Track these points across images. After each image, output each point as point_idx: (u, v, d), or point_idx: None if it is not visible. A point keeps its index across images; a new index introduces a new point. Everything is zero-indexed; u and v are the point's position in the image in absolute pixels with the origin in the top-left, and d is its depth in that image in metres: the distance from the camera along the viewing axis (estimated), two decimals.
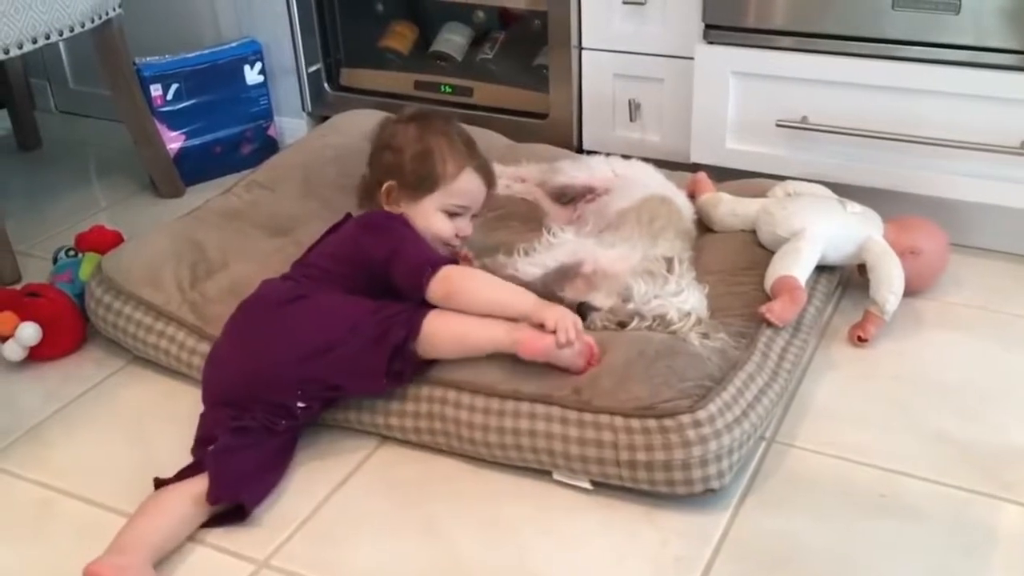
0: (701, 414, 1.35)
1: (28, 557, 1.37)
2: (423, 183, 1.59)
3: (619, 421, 1.37)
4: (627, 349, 1.46)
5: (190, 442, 1.55)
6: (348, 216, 1.66)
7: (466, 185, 1.61)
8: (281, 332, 1.46)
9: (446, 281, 1.46)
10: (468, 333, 1.45)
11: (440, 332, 1.44)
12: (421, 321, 1.43)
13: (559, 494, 1.42)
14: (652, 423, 1.36)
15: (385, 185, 1.60)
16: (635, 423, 1.36)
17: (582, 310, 1.55)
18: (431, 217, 1.59)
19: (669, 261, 1.58)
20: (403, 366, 1.45)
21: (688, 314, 1.52)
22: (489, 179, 1.65)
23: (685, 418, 1.35)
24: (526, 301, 1.45)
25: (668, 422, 1.35)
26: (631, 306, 1.53)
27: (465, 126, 1.72)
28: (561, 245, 1.65)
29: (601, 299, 1.55)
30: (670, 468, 1.35)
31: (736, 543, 1.33)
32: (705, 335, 1.50)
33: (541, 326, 1.40)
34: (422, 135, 1.61)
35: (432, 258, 1.51)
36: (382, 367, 1.43)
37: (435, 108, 1.69)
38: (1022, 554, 1.30)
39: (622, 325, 1.54)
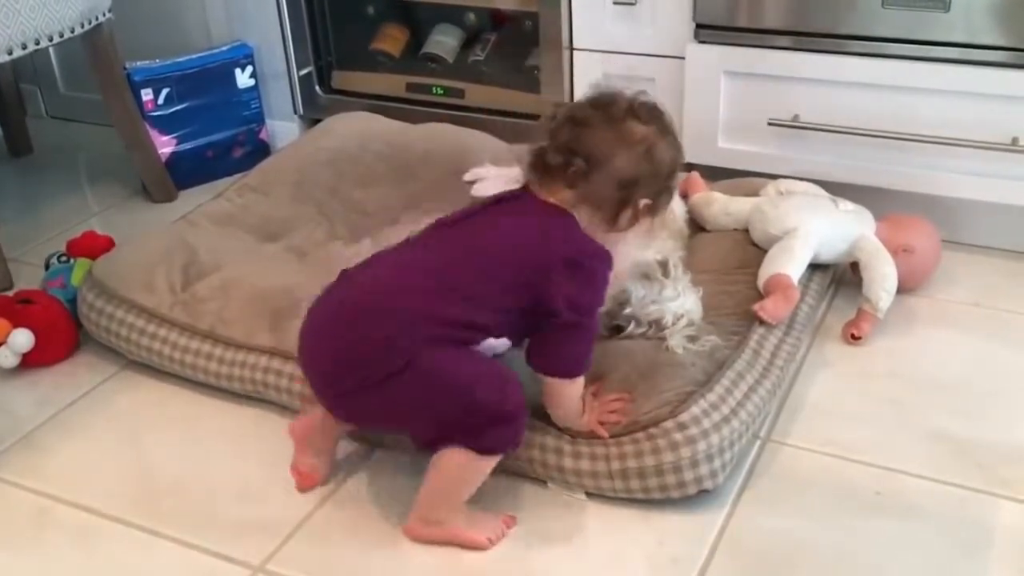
0: (684, 416, 1.35)
1: (25, 565, 1.37)
2: (666, 204, 1.35)
3: (609, 439, 1.38)
4: (612, 374, 1.46)
5: (186, 447, 1.55)
6: (524, 192, 1.34)
7: (664, 208, 1.37)
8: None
9: (566, 387, 1.34)
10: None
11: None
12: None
13: (554, 496, 1.42)
14: (639, 435, 1.36)
15: (642, 203, 1.29)
16: (624, 438, 1.37)
17: None
18: (632, 241, 1.37)
19: (664, 264, 1.58)
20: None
21: (681, 317, 1.52)
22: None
23: (668, 423, 1.35)
24: (572, 419, 1.38)
25: (653, 430, 1.36)
26: (628, 310, 1.53)
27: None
28: None
29: None
30: (661, 472, 1.35)
31: (732, 542, 1.33)
32: (693, 338, 1.50)
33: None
34: (671, 146, 1.31)
35: (582, 360, 1.33)
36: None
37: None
38: (1019, 551, 1.30)
39: (618, 329, 1.54)
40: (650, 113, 1.30)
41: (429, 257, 1.33)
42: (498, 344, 1.32)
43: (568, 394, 1.36)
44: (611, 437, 1.37)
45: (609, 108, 1.30)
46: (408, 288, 1.29)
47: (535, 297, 1.27)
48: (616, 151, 1.27)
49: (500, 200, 1.37)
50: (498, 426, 1.28)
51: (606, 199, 1.29)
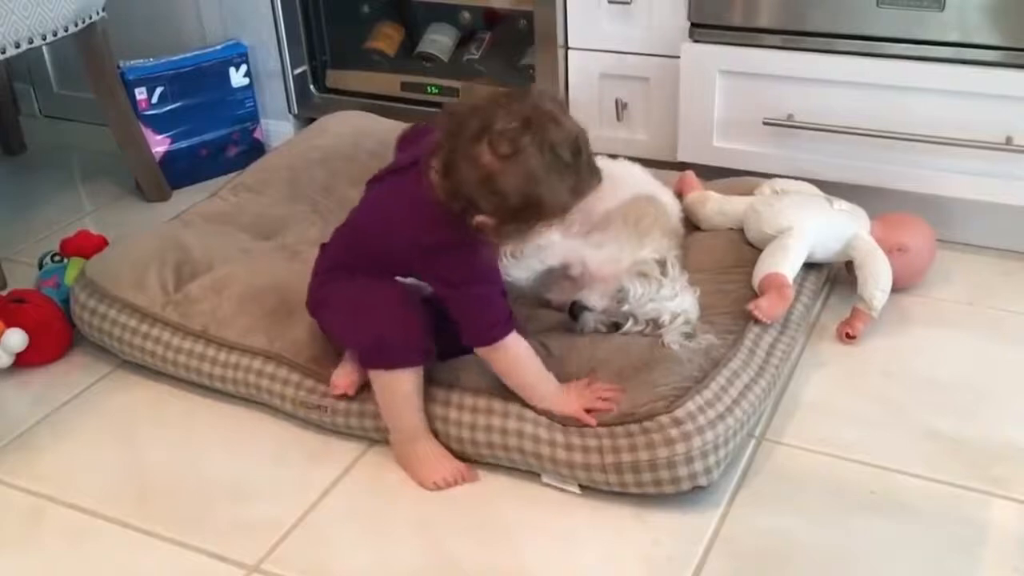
0: (679, 412, 1.36)
1: (19, 565, 1.36)
2: (526, 230, 1.35)
3: (602, 430, 1.38)
4: (606, 368, 1.46)
5: (179, 446, 1.55)
6: (414, 166, 1.40)
7: (568, 214, 1.38)
8: None
9: (497, 352, 1.41)
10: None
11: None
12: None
13: (550, 495, 1.42)
14: (634, 427, 1.36)
15: (478, 219, 1.32)
16: (618, 429, 1.37)
17: (575, 310, 1.55)
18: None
19: (662, 264, 1.58)
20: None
21: (678, 316, 1.52)
22: (595, 186, 1.37)
23: (664, 418, 1.36)
24: (549, 391, 1.42)
25: (648, 424, 1.36)
26: (626, 308, 1.53)
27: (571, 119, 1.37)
28: (548, 248, 1.65)
29: (595, 300, 1.55)
30: (655, 467, 1.35)
31: (727, 541, 1.33)
32: (690, 335, 1.50)
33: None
34: (525, 184, 1.28)
35: (501, 321, 1.40)
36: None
37: (539, 102, 1.32)
38: (1013, 549, 1.30)
39: (616, 326, 1.54)
40: (512, 143, 1.27)
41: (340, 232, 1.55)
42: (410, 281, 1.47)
43: (507, 361, 1.41)
44: (604, 426, 1.37)
45: (473, 123, 1.30)
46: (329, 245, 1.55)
47: (412, 270, 1.45)
48: (460, 166, 1.30)
49: (395, 171, 1.50)
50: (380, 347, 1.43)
51: (452, 204, 1.33)
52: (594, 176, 1.36)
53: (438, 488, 1.43)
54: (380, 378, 1.45)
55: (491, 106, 1.32)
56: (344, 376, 1.51)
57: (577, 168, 1.32)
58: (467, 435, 1.44)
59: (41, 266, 1.92)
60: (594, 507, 1.40)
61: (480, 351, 1.43)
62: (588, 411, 1.40)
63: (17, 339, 1.69)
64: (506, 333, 1.40)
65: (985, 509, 1.36)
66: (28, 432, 1.61)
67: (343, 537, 1.37)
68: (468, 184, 1.30)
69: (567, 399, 1.41)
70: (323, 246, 1.57)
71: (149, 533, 1.39)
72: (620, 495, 1.39)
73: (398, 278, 1.48)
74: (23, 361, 1.73)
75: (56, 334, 1.76)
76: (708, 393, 1.39)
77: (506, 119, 1.29)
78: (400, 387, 1.44)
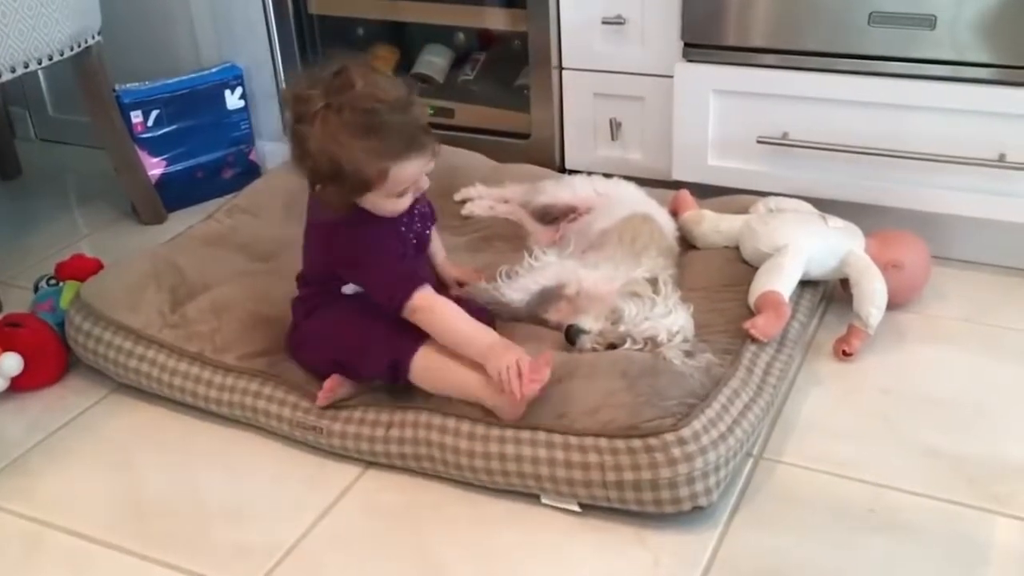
0: (685, 432, 1.35)
1: None
2: (351, 194, 1.42)
3: (603, 443, 1.37)
4: (609, 371, 1.46)
5: (176, 470, 1.54)
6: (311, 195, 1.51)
7: (398, 177, 1.41)
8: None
9: (416, 313, 1.45)
10: (452, 382, 1.47)
11: (426, 375, 1.48)
12: (411, 357, 1.46)
13: (549, 517, 1.41)
14: (637, 443, 1.35)
15: (317, 189, 1.44)
16: (620, 444, 1.36)
17: (571, 333, 1.55)
18: (380, 206, 1.45)
19: (654, 282, 1.59)
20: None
21: (676, 334, 1.52)
22: (421, 149, 1.42)
23: (669, 436, 1.35)
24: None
25: (653, 441, 1.35)
26: (622, 328, 1.53)
27: (381, 77, 1.45)
28: (543, 268, 1.65)
29: (590, 322, 1.55)
30: (657, 487, 1.34)
31: (727, 561, 1.33)
32: (689, 353, 1.50)
33: None
34: (327, 146, 1.37)
35: (400, 286, 1.46)
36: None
37: (346, 64, 1.39)
38: (1013, 567, 1.30)
39: (612, 347, 1.54)
40: (309, 108, 1.37)
41: None
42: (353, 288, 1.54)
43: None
44: (607, 437, 1.36)
45: (288, 99, 1.41)
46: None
47: (334, 268, 1.52)
48: (291, 143, 1.43)
49: None
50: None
51: (309, 183, 1.45)
52: (407, 141, 1.40)
53: (503, 380, 1.39)
54: (432, 353, 1.46)
55: (299, 80, 1.45)
56: (329, 382, 1.52)
57: (381, 133, 1.37)
58: (465, 462, 1.44)
59: (36, 290, 1.92)
60: (594, 528, 1.39)
61: (405, 317, 1.45)
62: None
63: (12, 363, 1.69)
64: (409, 293, 1.44)
65: (985, 527, 1.36)
66: (24, 457, 1.60)
67: (340, 560, 1.37)
68: (293, 158, 1.43)
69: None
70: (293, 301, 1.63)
71: (146, 558, 1.38)
72: (620, 516, 1.39)
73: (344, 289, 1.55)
74: (19, 385, 1.72)
75: (52, 358, 1.76)
76: (711, 412, 1.39)
77: (308, 87, 1.39)
78: (442, 321, 1.45)
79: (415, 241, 1.57)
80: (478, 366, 1.43)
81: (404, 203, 1.47)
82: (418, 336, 1.46)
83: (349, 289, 1.55)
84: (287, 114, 1.42)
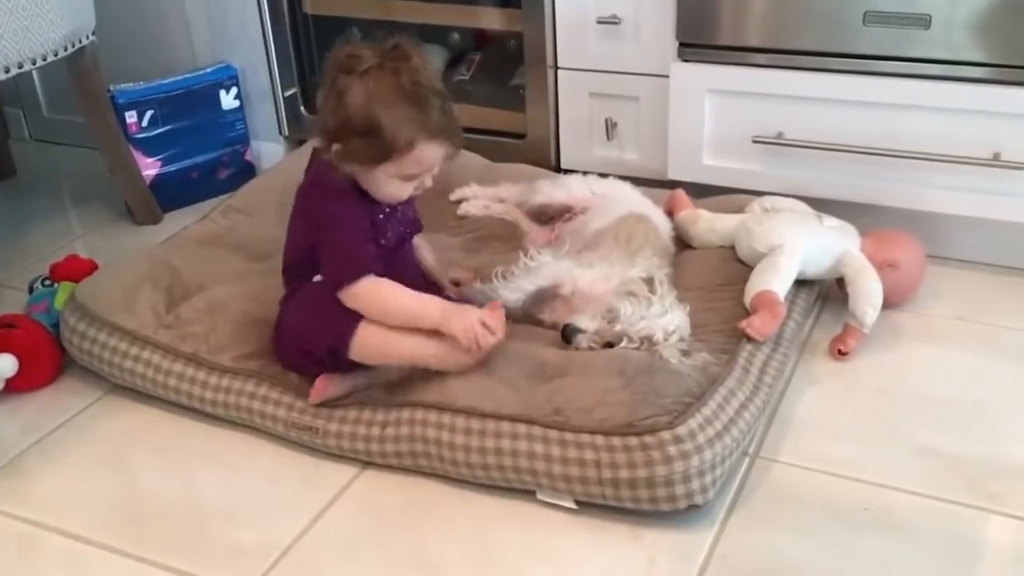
0: (681, 430, 1.35)
1: None
2: (372, 158, 1.44)
3: (600, 440, 1.37)
4: (606, 369, 1.46)
5: (172, 471, 1.54)
6: (314, 152, 1.55)
7: (421, 156, 1.44)
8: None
9: (356, 299, 1.47)
10: (397, 354, 1.49)
11: (368, 352, 1.49)
12: (350, 339, 1.47)
13: (546, 516, 1.41)
14: (633, 440, 1.35)
15: (333, 148, 1.45)
16: (616, 441, 1.36)
17: (567, 332, 1.55)
18: (385, 183, 1.47)
19: (649, 282, 1.59)
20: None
21: (672, 333, 1.52)
22: (450, 140, 1.48)
23: (665, 434, 1.35)
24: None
25: (649, 439, 1.35)
26: (618, 327, 1.53)
27: (432, 65, 1.54)
28: (539, 268, 1.65)
29: (586, 321, 1.55)
30: (653, 485, 1.34)
31: (722, 560, 1.33)
32: (686, 352, 1.50)
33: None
34: (370, 100, 1.41)
35: (348, 270, 1.47)
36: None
37: (398, 44, 1.45)
38: (1009, 566, 1.30)
39: (609, 346, 1.54)
40: (363, 65, 1.41)
41: None
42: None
43: (367, 305, 1.47)
44: (603, 435, 1.37)
45: (339, 60, 1.45)
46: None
47: (308, 236, 1.51)
48: (323, 96, 1.46)
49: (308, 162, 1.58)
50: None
51: (321, 142, 1.47)
52: (442, 125, 1.45)
53: (473, 337, 1.45)
54: (369, 331, 1.47)
55: (351, 41, 1.48)
56: (319, 381, 1.53)
57: (424, 105, 1.42)
58: (462, 458, 1.44)
59: (31, 291, 1.91)
60: (590, 526, 1.39)
61: (345, 301, 1.47)
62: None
63: (7, 364, 1.69)
64: (357, 276, 1.46)
65: (981, 526, 1.36)
66: (19, 458, 1.59)
67: (336, 561, 1.36)
68: (325, 109, 1.45)
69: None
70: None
71: (141, 559, 1.38)
72: (616, 514, 1.39)
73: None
74: (13, 387, 1.72)
75: (46, 359, 1.75)
76: (707, 411, 1.39)
77: (364, 52, 1.43)
78: (387, 305, 1.47)
79: (389, 238, 1.55)
80: (415, 332, 1.47)
81: (404, 192, 1.49)
82: (353, 316, 1.47)
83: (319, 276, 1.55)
84: (330, 67, 1.44)
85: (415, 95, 1.42)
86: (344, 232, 1.49)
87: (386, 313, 1.47)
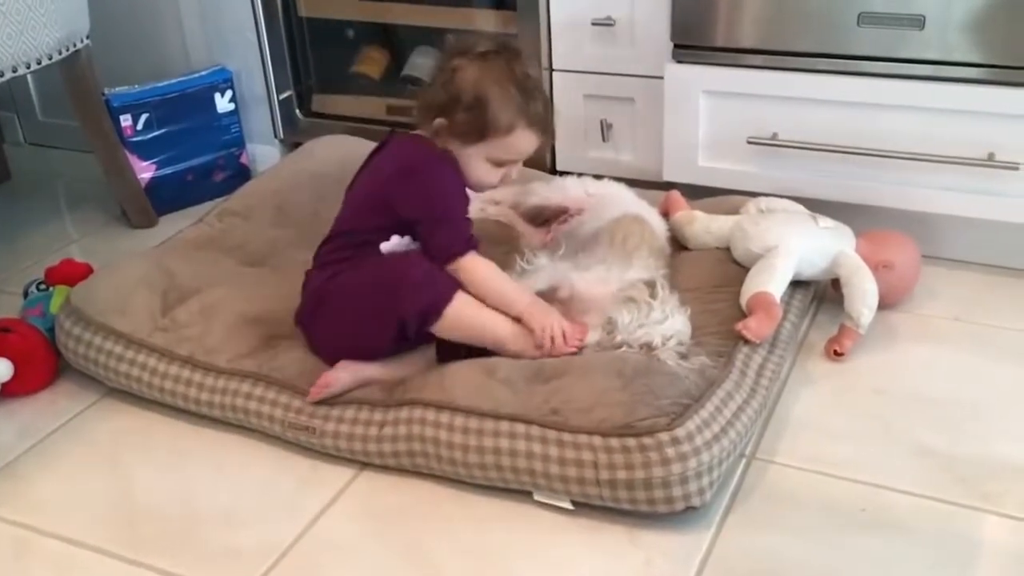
0: (679, 431, 1.35)
1: None
2: (473, 134, 1.54)
3: (597, 440, 1.37)
4: (604, 370, 1.46)
5: (168, 474, 1.54)
6: (391, 135, 1.65)
7: (517, 142, 1.56)
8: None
9: (464, 272, 1.54)
10: (480, 326, 1.54)
11: (457, 322, 1.53)
12: (445, 305, 1.51)
13: (543, 517, 1.41)
14: (631, 442, 1.35)
15: (436, 122, 1.56)
16: (614, 442, 1.36)
17: None
18: (477, 165, 1.57)
19: (651, 285, 1.59)
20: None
21: (670, 338, 1.52)
22: (545, 134, 1.59)
23: (664, 436, 1.35)
24: (522, 301, 1.55)
25: (647, 440, 1.35)
26: (618, 338, 1.53)
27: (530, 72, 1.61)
28: (535, 271, 1.65)
29: (587, 335, 1.56)
30: (650, 486, 1.34)
31: (720, 561, 1.33)
32: (683, 356, 1.50)
33: None
34: (479, 80, 1.53)
35: (460, 242, 1.55)
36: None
37: (508, 41, 1.62)
38: (1005, 565, 1.30)
39: None
40: (481, 50, 1.54)
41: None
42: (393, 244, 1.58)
43: (472, 277, 1.54)
44: (601, 435, 1.37)
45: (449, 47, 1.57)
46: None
47: (390, 210, 1.54)
48: (434, 77, 1.58)
49: (379, 147, 1.66)
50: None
51: (422, 119, 1.58)
52: (542, 117, 1.56)
53: (546, 337, 1.53)
54: (466, 300, 1.52)
55: (470, 37, 1.60)
56: (324, 377, 1.54)
57: (530, 95, 1.54)
58: (459, 456, 1.44)
59: (26, 295, 1.91)
60: (587, 527, 1.39)
61: (449, 269, 1.54)
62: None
63: (2, 369, 1.68)
64: (466, 250, 1.54)
65: (977, 525, 1.36)
66: (14, 462, 1.59)
67: (334, 563, 1.36)
68: (435, 86, 1.56)
69: (544, 312, 1.54)
70: (308, 272, 1.63)
71: (138, 563, 1.38)
72: (613, 516, 1.39)
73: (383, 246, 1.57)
74: (9, 391, 1.71)
75: (42, 363, 1.75)
76: (705, 413, 1.39)
77: (481, 40, 1.57)
78: (489, 284, 1.54)
79: None
80: (505, 315, 1.54)
81: (493, 178, 1.59)
82: (453, 284, 1.53)
83: (388, 245, 1.57)
84: (445, 51, 1.58)
85: (524, 84, 1.54)
86: (459, 207, 1.57)
87: (485, 290, 1.54)
